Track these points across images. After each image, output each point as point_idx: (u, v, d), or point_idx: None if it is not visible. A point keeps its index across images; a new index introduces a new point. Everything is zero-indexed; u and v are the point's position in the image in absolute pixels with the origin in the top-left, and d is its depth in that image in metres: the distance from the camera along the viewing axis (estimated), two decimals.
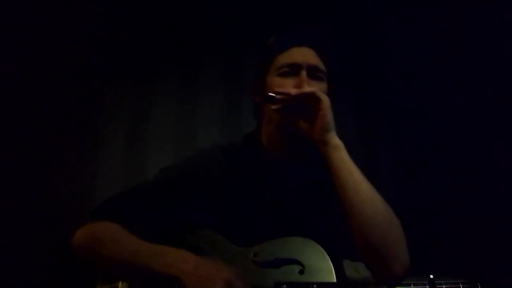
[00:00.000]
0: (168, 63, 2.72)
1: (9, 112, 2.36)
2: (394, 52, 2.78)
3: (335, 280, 0.93)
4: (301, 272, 0.96)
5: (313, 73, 1.16)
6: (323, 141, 1.07)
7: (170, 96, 2.67)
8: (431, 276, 0.79)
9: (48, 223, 2.28)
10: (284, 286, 0.93)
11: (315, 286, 0.92)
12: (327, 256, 0.96)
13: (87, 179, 2.42)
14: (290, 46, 1.18)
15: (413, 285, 0.83)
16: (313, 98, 1.08)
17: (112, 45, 2.64)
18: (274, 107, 1.11)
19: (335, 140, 1.07)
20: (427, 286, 0.83)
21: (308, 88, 1.09)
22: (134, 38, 2.68)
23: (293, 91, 1.09)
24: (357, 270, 1.88)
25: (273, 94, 1.10)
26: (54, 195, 2.35)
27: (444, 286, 0.86)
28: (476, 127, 2.21)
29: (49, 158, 2.40)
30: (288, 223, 1.11)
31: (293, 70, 1.15)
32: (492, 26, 2.15)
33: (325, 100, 1.07)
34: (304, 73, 1.14)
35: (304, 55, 1.17)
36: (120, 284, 1.03)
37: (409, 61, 2.70)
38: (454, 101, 2.39)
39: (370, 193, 1.02)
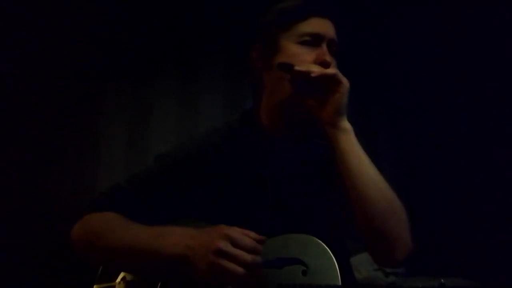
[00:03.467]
0: (168, 63, 2.72)
1: (9, 112, 2.36)
2: (394, 51, 2.78)
3: (339, 282, 0.89)
4: (304, 273, 0.92)
5: (331, 47, 1.10)
6: (333, 124, 1.02)
7: (170, 96, 2.67)
8: (442, 281, 0.77)
9: (48, 223, 2.27)
10: None
11: None
12: (331, 255, 0.93)
13: (87, 179, 2.41)
14: (311, 15, 1.11)
15: None
16: (332, 80, 1.01)
17: (112, 45, 2.64)
18: (288, 76, 1.04)
19: (345, 123, 1.02)
20: None
21: (331, 70, 1.03)
22: (134, 38, 2.68)
23: (316, 71, 1.01)
24: (358, 270, 1.88)
25: (290, 63, 1.03)
26: (54, 195, 2.35)
27: None
28: (476, 127, 2.21)
29: (49, 158, 2.40)
30: (289, 212, 1.08)
31: (314, 40, 1.09)
32: (492, 26, 2.15)
33: (345, 84, 1.01)
34: (325, 47, 1.08)
35: (325, 27, 1.11)
36: (117, 283, 1.01)
37: (409, 61, 2.70)
38: (454, 101, 2.39)
39: (375, 177, 0.99)
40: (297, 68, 1.02)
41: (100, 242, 0.98)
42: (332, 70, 1.02)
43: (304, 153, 1.13)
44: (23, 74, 2.41)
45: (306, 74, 1.01)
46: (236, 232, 0.88)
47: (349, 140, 1.01)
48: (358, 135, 1.05)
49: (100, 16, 2.58)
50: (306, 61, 1.05)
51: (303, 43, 1.09)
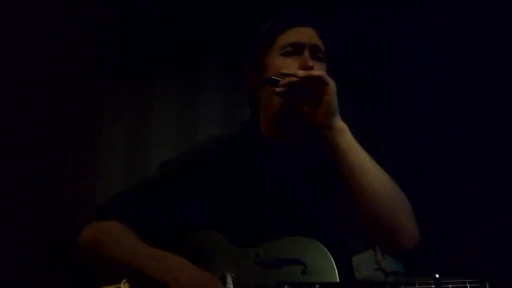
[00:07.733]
0: (168, 63, 2.72)
1: (10, 112, 2.36)
2: (395, 51, 2.78)
3: (337, 280, 0.92)
4: (303, 272, 0.94)
5: (315, 53, 1.13)
6: (328, 126, 1.04)
7: (171, 96, 2.68)
8: (437, 276, 0.78)
9: (48, 224, 2.28)
10: (286, 286, 0.93)
11: (317, 286, 0.91)
12: (330, 256, 0.95)
13: (88, 179, 2.42)
14: (292, 26, 1.15)
15: (418, 285, 0.82)
16: (319, 82, 1.04)
17: (112, 45, 2.64)
18: (277, 89, 1.07)
19: (339, 123, 1.05)
20: (433, 286, 0.81)
21: (316, 71, 1.05)
22: (134, 38, 2.68)
23: (301, 73, 1.04)
24: (359, 270, 1.88)
25: (276, 78, 1.06)
26: (55, 195, 2.35)
27: (450, 286, 0.84)
28: (476, 126, 2.21)
29: (49, 158, 2.40)
30: (290, 214, 1.10)
31: (296, 49, 1.12)
32: (492, 26, 2.15)
33: (332, 85, 1.04)
34: (307, 53, 1.11)
35: (306, 34, 1.14)
36: (122, 285, 1.03)
37: (409, 61, 2.70)
38: (454, 101, 2.39)
39: (377, 172, 1.01)
40: (284, 71, 1.06)
41: (104, 252, 1.02)
42: (317, 72, 1.05)
43: (303, 158, 1.15)
44: (23, 74, 2.42)
45: (293, 76, 1.04)
46: None
47: (346, 139, 1.03)
48: (358, 135, 1.05)
49: (100, 16, 2.58)
50: (291, 70, 1.08)
51: (285, 54, 1.13)
